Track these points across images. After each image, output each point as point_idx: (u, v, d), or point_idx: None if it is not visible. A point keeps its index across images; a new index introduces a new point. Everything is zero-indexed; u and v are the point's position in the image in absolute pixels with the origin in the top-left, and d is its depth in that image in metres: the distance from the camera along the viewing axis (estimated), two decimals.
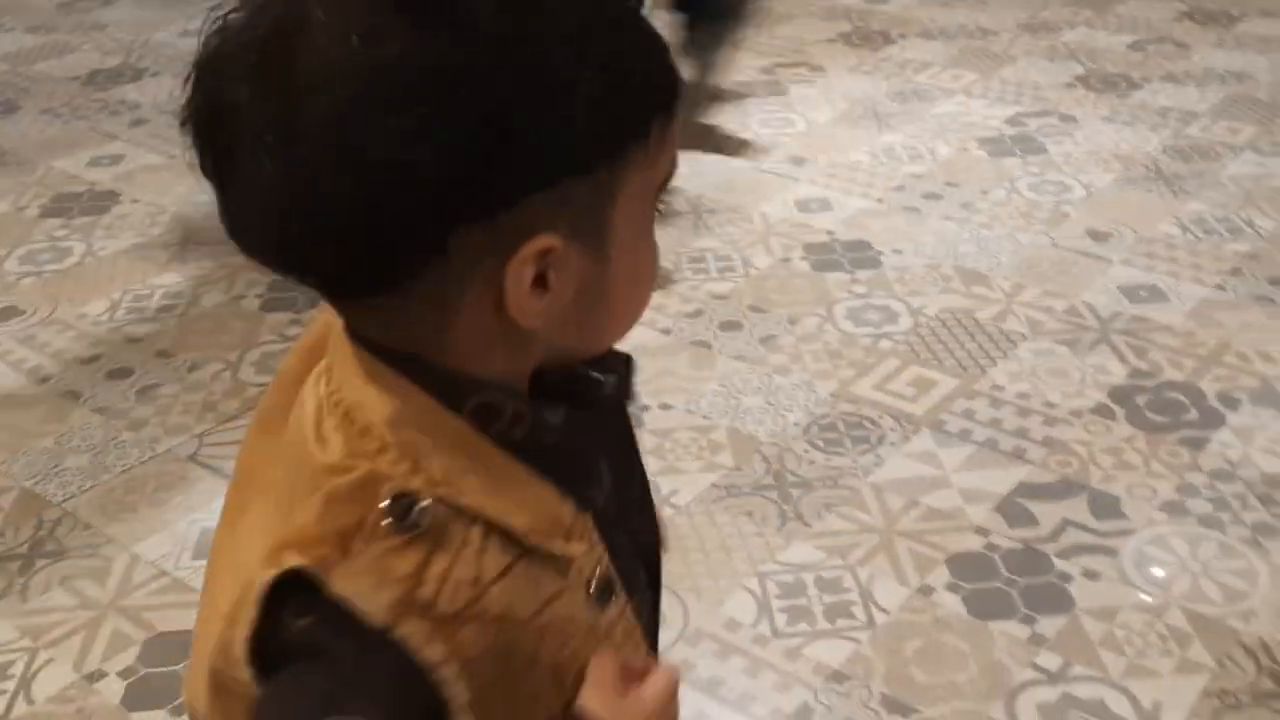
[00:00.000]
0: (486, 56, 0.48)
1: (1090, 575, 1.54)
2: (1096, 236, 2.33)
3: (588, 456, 0.61)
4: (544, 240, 0.51)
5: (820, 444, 1.81)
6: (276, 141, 0.49)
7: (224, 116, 0.50)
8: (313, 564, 0.51)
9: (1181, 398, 1.87)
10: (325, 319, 0.61)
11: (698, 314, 2.14)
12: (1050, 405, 1.87)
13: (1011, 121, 2.83)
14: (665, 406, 1.90)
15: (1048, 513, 1.66)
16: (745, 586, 1.55)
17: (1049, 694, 1.38)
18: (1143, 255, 2.27)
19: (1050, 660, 1.42)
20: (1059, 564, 1.57)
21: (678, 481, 1.74)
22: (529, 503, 0.56)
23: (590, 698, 0.57)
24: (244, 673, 0.53)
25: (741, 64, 3.23)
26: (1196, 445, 1.77)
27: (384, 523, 0.52)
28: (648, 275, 0.59)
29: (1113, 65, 3.12)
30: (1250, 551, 1.57)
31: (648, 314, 2.04)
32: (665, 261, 2.30)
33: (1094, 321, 2.07)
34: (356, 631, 0.51)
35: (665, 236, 2.23)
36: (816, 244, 2.34)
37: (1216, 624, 1.46)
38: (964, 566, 1.57)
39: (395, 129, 0.48)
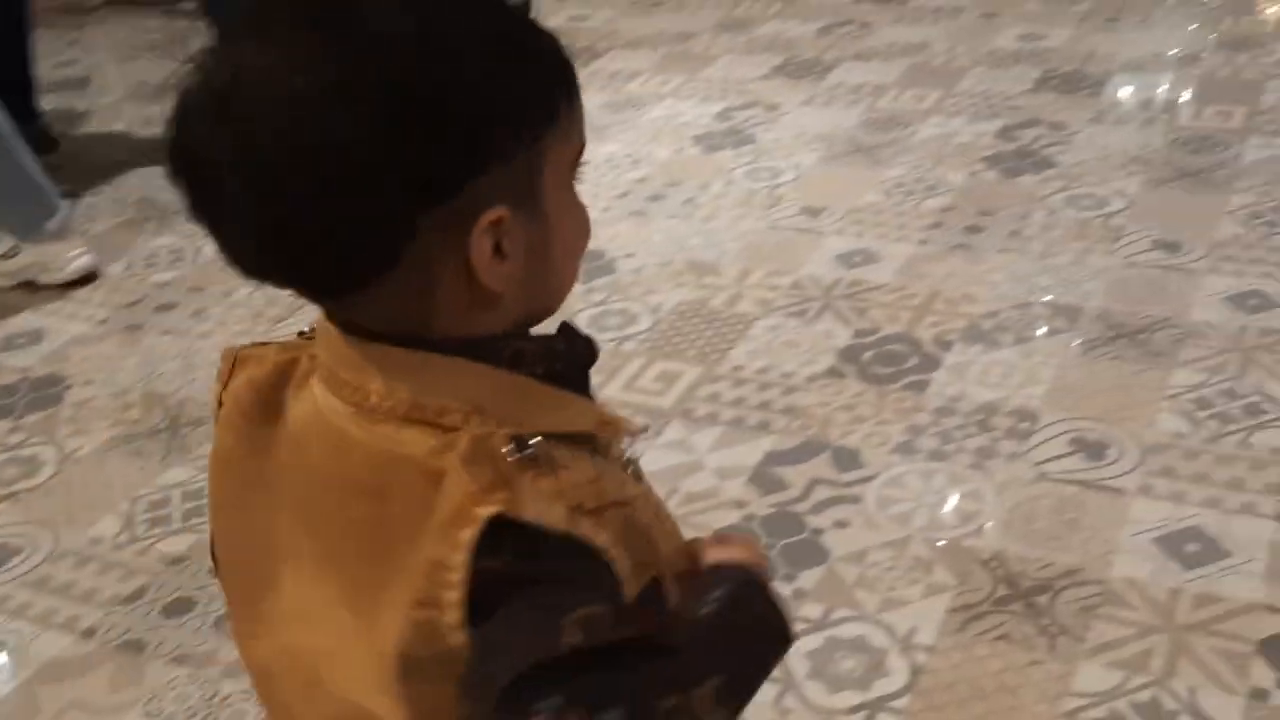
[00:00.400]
0: (399, 67, 0.57)
1: (840, 525, 1.66)
2: (810, 213, 2.49)
3: (583, 378, 0.71)
4: (494, 213, 0.61)
5: None
6: (243, 172, 0.57)
7: (196, 159, 0.59)
8: (502, 507, 0.59)
9: (901, 348, 2.03)
10: (227, 353, 0.71)
11: None
12: (787, 375, 1.99)
13: (720, 117, 2.98)
14: None
15: (796, 475, 1.76)
16: None
17: (815, 641, 1.47)
18: (853, 224, 2.44)
19: (813, 610, 1.52)
20: (811, 520, 1.68)
21: None
22: (580, 413, 0.67)
23: (711, 555, 0.74)
24: (456, 638, 0.59)
25: None
26: (919, 389, 1.92)
27: (515, 460, 0.60)
28: (580, 232, 0.70)
29: (806, 52, 3.33)
30: (975, 475, 1.72)
31: None
32: None
33: (817, 292, 2.21)
34: (552, 545, 0.60)
35: None
36: None
37: (954, 546, 1.59)
38: None
39: (338, 139, 0.56)
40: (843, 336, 2.07)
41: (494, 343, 0.65)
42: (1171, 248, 2.20)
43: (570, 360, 0.68)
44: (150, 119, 3.37)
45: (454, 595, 0.59)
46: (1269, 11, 3.28)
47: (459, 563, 0.59)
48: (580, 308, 2.24)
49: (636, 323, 2.18)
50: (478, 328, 0.64)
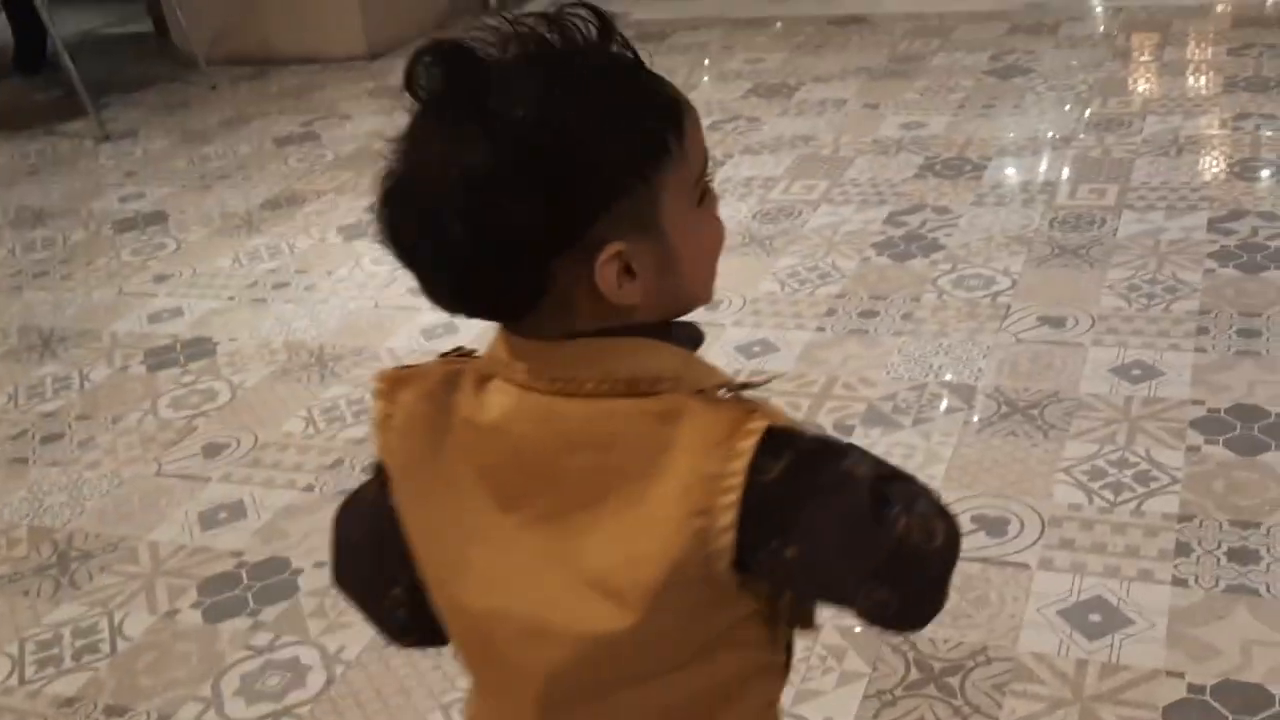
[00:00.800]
0: (532, 147, 0.71)
1: None
2: (710, 306, 2.54)
3: None
4: (613, 247, 0.73)
5: None
6: (429, 243, 0.74)
7: (396, 234, 0.75)
8: (769, 421, 0.73)
9: None
10: (384, 374, 0.84)
11: (338, 464, 2.15)
12: None
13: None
14: (319, 565, 1.89)
15: None
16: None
17: None
18: (751, 314, 2.49)
19: None
20: None
21: (344, 636, 1.74)
22: (732, 376, 0.80)
23: None
24: (724, 540, 0.72)
25: (343, 208, 3.30)
26: None
27: (737, 399, 0.75)
28: (709, 243, 0.81)
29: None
30: None
31: (288, 475, 2.05)
32: (297, 420, 2.32)
33: None
34: (812, 439, 0.76)
35: (294, 395, 2.22)
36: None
37: (866, 632, 1.61)
38: None
39: (499, 207, 0.71)
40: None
41: (671, 327, 0.80)
42: (1056, 323, 2.29)
43: (695, 343, 0.82)
44: (31, 243, 3.33)
45: (730, 499, 0.72)
46: (1136, 92, 3.47)
47: (737, 469, 0.72)
48: None
49: None
50: (647, 315, 0.78)
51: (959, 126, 3.31)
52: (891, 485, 0.76)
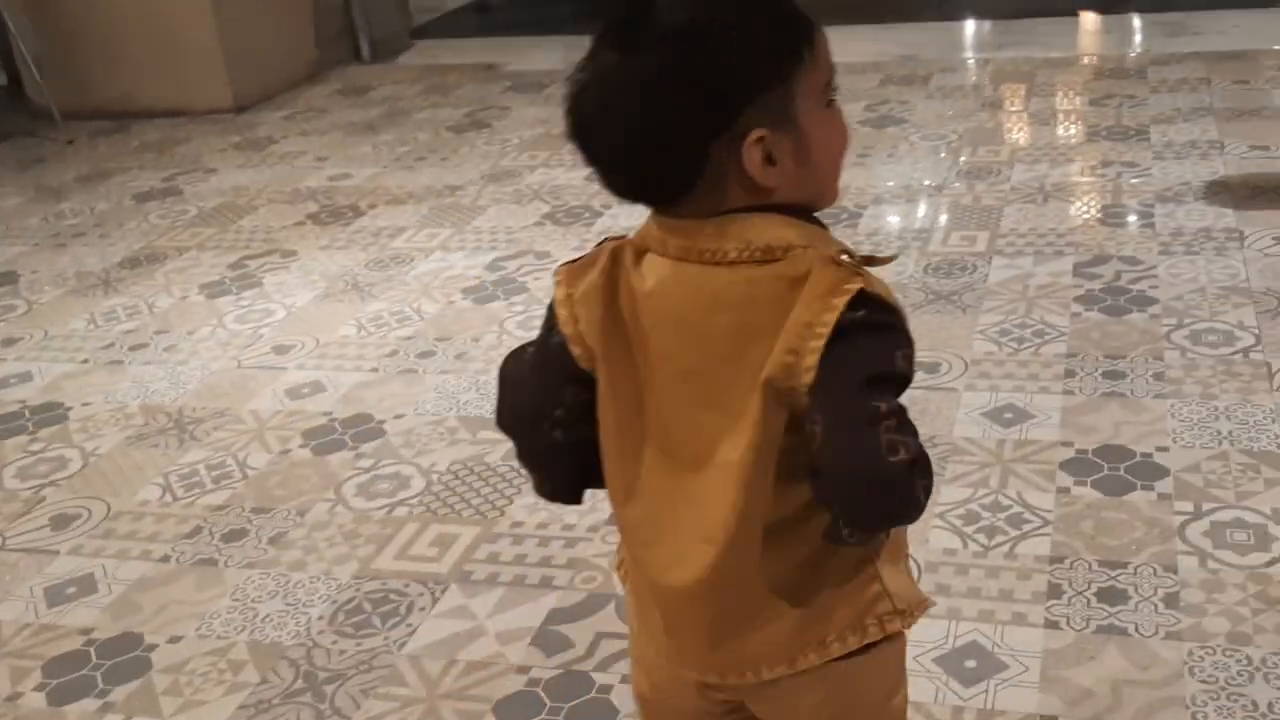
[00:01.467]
0: (689, 52, 0.90)
1: (629, 680, 1.65)
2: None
3: None
4: (757, 133, 0.91)
5: (349, 630, 1.81)
6: (611, 138, 0.92)
7: (585, 130, 0.93)
8: (862, 284, 0.89)
9: None
10: (561, 269, 1.01)
11: (196, 532, 2.09)
12: (569, 527, 2.00)
13: (491, 267, 3.03)
14: (175, 639, 1.82)
15: (581, 631, 1.76)
16: None
17: None
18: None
19: None
20: (599, 678, 1.67)
21: (200, 714, 1.67)
22: (858, 248, 0.97)
23: None
24: (807, 377, 0.90)
25: (205, 265, 3.24)
26: None
27: (852, 265, 0.91)
28: (835, 142, 0.97)
29: (575, 199, 3.44)
30: None
31: (143, 545, 1.97)
32: (153, 487, 2.24)
33: None
34: (891, 309, 0.91)
35: (151, 461, 2.15)
36: (315, 428, 2.37)
37: None
38: (510, 709, 1.63)
39: (667, 98, 0.89)
40: None
41: (798, 209, 0.95)
42: (931, 369, 2.34)
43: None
44: None
45: (817, 344, 0.89)
46: (1004, 141, 3.60)
47: (829, 320, 0.89)
48: (348, 476, 2.21)
49: (409, 486, 2.16)
50: (788, 197, 0.94)
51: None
52: (901, 409, 0.91)
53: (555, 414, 1.02)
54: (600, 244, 1.01)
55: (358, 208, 3.52)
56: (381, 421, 2.37)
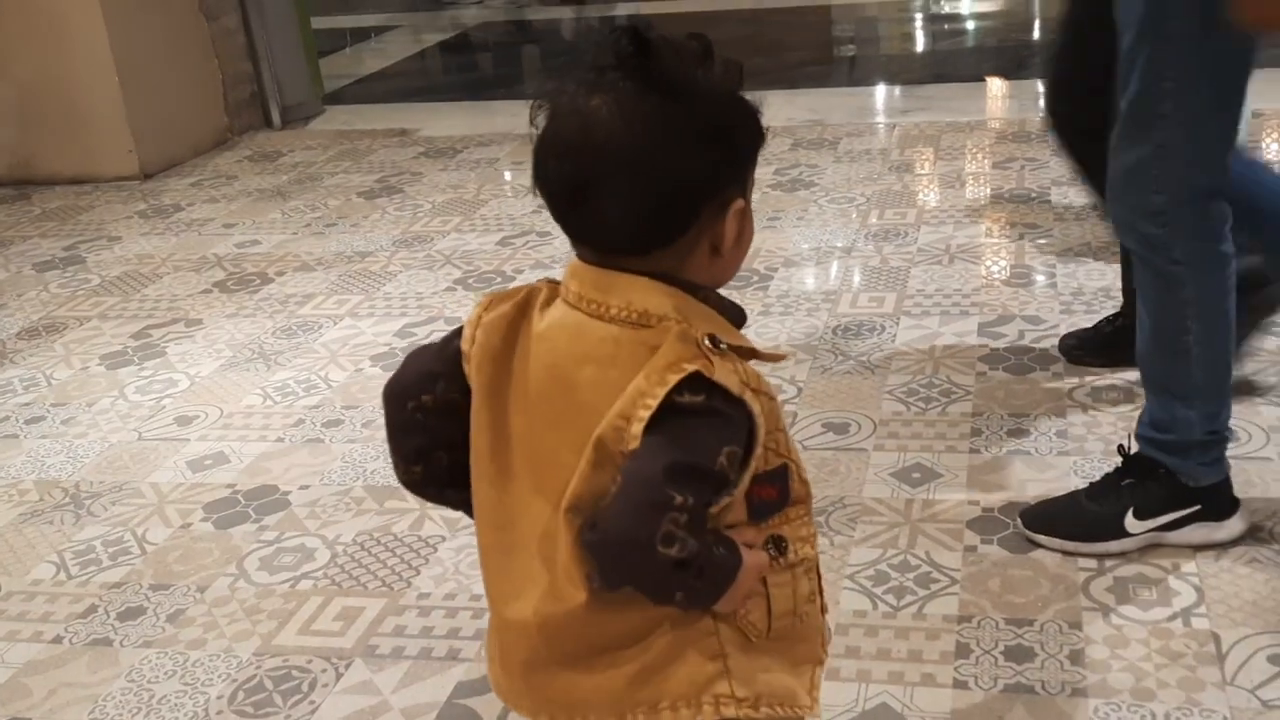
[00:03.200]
0: (718, 112, 0.98)
1: None
2: None
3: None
4: (740, 203, 0.99)
5: (249, 710, 1.76)
6: (613, 185, 0.95)
7: (587, 173, 0.96)
8: (702, 369, 0.94)
9: None
10: (480, 302, 1.06)
11: (91, 611, 2.03)
12: (476, 598, 1.97)
13: (401, 334, 3.01)
14: None
15: (488, 705, 1.73)
16: None
17: None
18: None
19: None
20: None
21: None
22: (749, 341, 1.03)
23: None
24: (631, 443, 0.93)
25: (107, 334, 3.18)
26: None
27: (710, 348, 0.95)
28: (752, 230, 1.03)
29: (487, 264, 3.44)
30: None
31: (34, 626, 1.91)
32: (47, 565, 2.17)
33: None
34: (728, 400, 0.95)
35: (45, 538, 2.08)
36: (217, 501, 2.32)
37: None
38: None
39: (703, 154, 0.97)
40: None
41: (701, 289, 1.01)
42: (841, 429, 2.37)
43: (736, 316, 1.04)
44: None
45: (644, 414, 0.93)
46: (911, 204, 3.68)
47: (658, 394, 0.93)
48: (251, 549, 2.16)
49: (314, 558, 2.12)
50: (705, 278, 1.01)
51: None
52: (706, 504, 0.95)
53: (423, 398, 1.08)
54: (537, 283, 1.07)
55: (266, 275, 3.49)
56: (286, 493, 2.33)
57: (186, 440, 2.57)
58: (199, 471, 2.44)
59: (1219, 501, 1.94)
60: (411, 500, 2.27)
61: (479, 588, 1.98)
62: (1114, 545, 1.93)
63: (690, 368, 0.93)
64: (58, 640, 1.96)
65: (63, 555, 2.20)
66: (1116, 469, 1.99)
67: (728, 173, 0.98)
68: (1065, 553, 1.95)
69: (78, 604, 2.05)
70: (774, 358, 1.03)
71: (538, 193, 1.01)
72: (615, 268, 0.98)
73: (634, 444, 0.93)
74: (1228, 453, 1.94)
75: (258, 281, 3.44)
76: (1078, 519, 1.97)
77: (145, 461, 2.50)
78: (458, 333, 1.07)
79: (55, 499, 2.39)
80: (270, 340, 3.03)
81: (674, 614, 1.00)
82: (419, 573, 2.06)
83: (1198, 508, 1.93)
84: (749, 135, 1.00)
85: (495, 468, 1.04)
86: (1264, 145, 3.92)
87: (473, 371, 1.04)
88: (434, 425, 1.08)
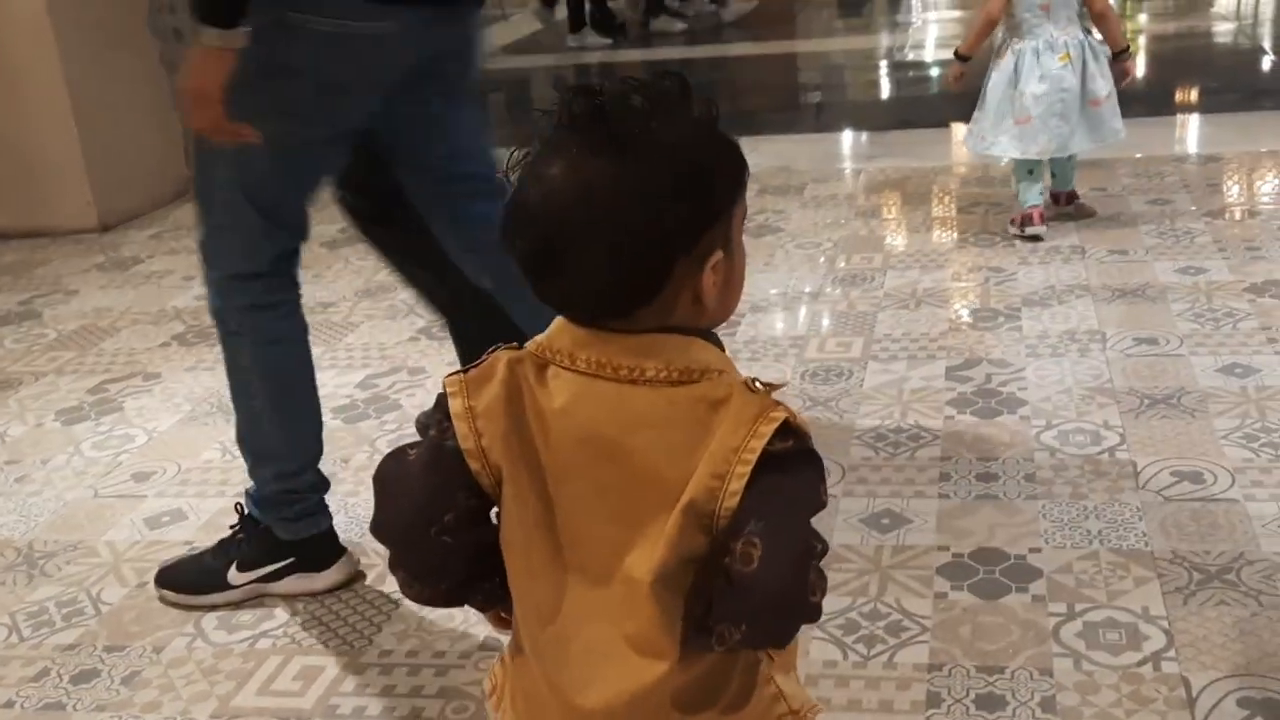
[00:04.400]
0: (693, 166, 0.96)
1: None
2: None
3: None
4: (718, 254, 0.97)
5: None
6: (580, 253, 0.94)
7: (552, 242, 0.94)
8: (787, 415, 0.95)
9: None
10: (453, 379, 1.02)
11: (44, 674, 1.99)
12: (439, 655, 1.95)
13: (362, 385, 3.00)
14: None
15: None
16: None
17: None
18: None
19: None
20: None
21: None
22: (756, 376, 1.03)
23: None
24: (730, 501, 0.94)
25: (63, 390, 3.15)
26: None
27: (765, 392, 0.98)
28: (744, 267, 1.03)
29: None
30: None
31: None
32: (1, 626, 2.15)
33: None
34: (809, 437, 0.97)
35: None
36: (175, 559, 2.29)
37: None
38: None
39: (673, 209, 0.94)
40: None
41: (708, 333, 1.01)
42: None
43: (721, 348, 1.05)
44: None
45: (744, 470, 0.93)
46: (877, 248, 3.71)
47: (755, 446, 0.93)
48: (209, 606, 2.13)
49: (272, 617, 2.09)
50: (698, 323, 1.00)
51: None
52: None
53: (445, 519, 1.01)
54: (492, 352, 1.01)
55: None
56: None
57: (144, 497, 2.54)
58: (156, 529, 2.40)
59: (316, 553, 2.13)
60: (373, 555, 2.25)
61: (442, 644, 1.97)
62: (217, 597, 2.11)
63: (779, 416, 0.94)
64: (9, 705, 1.92)
65: (14, 617, 2.16)
66: (233, 525, 2.18)
67: (701, 222, 0.96)
68: (178, 605, 2.12)
69: (29, 667, 2.01)
70: (780, 386, 1.04)
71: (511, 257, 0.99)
72: (604, 329, 0.97)
73: (732, 501, 0.93)
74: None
75: (213, 339, 3.41)
76: (191, 573, 2.15)
77: (101, 519, 2.47)
78: (443, 433, 1.01)
79: (8, 559, 2.35)
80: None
81: (729, 660, 1.02)
82: (380, 629, 2.03)
83: (292, 560, 2.11)
84: (727, 176, 0.98)
85: (537, 558, 1.01)
86: (1224, 188, 3.98)
87: (500, 463, 1.00)
88: (460, 542, 1.02)
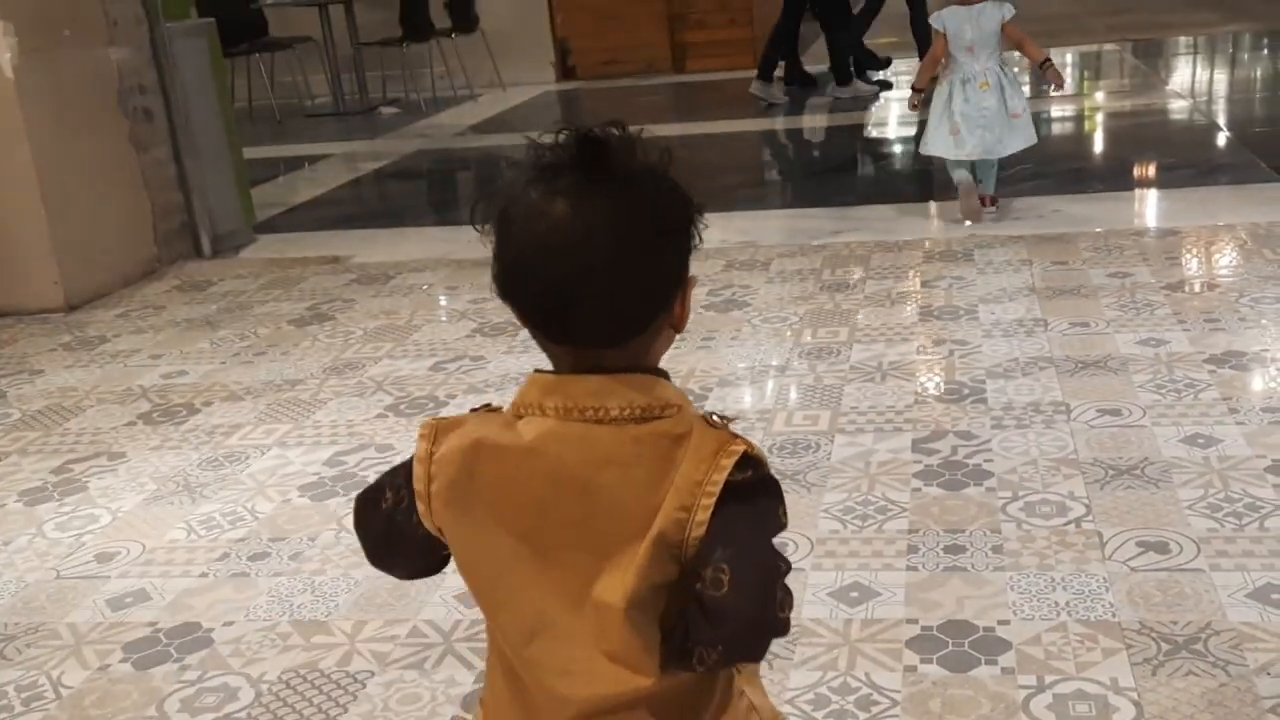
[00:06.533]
0: (683, 205, 1.05)
1: None
2: None
3: None
4: (693, 279, 1.06)
5: None
6: (599, 287, 0.99)
7: (558, 286, 1.00)
8: (746, 447, 1.02)
9: None
10: (428, 425, 1.08)
11: None
12: None
13: (330, 463, 2.99)
14: None
15: None
16: None
17: None
18: None
19: None
20: None
21: None
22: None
23: None
24: (697, 531, 0.99)
25: (26, 470, 3.12)
26: None
27: (724, 425, 1.04)
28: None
29: (419, 389, 3.44)
30: None
31: None
32: None
33: (437, 637, 2.19)
34: (766, 465, 1.04)
35: None
36: (138, 640, 2.26)
37: None
38: None
39: (653, 256, 1.01)
40: (466, 682, 2.05)
41: (663, 371, 1.07)
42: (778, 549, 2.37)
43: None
44: None
45: (708, 501, 0.99)
46: (843, 322, 3.75)
47: (718, 479, 0.99)
48: (171, 690, 2.10)
49: (237, 698, 2.07)
50: (656, 361, 1.07)
51: (681, 359, 3.47)
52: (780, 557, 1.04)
53: (433, 563, 1.13)
54: (475, 410, 1.09)
55: (192, 405, 3.45)
56: (210, 630, 2.28)
57: (107, 578, 2.51)
58: (119, 610, 2.38)
59: None
60: (339, 634, 2.23)
61: None
62: None
63: (738, 449, 1.01)
64: None
65: None
66: None
67: (688, 252, 1.04)
68: None
69: None
70: (735, 420, 1.10)
71: (509, 300, 1.04)
72: (590, 361, 1.02)
73: (699, 530, 0.99)
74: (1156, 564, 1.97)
75: (184, 413, 3.41)
76: None
77: (63, 601, 2.44)
78: (399, 500, 1.09)
79: None
80: (195, 472, 2.99)
81: (705, 678, 1.07)
82: (347, 710, 2.01)
83: None
84: (695, 211, 1.06)
85: (507, 588, 1.06)
86: (1182, 261, 4.06)
87: (441, 510, 1.05)
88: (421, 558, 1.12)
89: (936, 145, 4.64)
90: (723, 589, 0.98)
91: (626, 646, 1.03)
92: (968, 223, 4.63)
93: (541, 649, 1.06)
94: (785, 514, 1.05)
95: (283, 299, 4.46)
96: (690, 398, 3.20)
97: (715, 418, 1.04)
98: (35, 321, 4.39)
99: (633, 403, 1.01)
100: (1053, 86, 4.75)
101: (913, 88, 4.92)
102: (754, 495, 1.02)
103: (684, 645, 1.02)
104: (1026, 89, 5.73)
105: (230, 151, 5.29)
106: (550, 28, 9.75)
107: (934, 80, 4.71)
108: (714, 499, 0.99)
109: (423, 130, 8.30)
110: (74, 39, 4.56)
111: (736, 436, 1.02)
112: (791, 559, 2.34)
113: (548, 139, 1.02)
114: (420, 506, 1.06)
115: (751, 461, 1.02)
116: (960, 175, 4.69)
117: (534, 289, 1.01)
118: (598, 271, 0.99)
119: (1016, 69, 4.70)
